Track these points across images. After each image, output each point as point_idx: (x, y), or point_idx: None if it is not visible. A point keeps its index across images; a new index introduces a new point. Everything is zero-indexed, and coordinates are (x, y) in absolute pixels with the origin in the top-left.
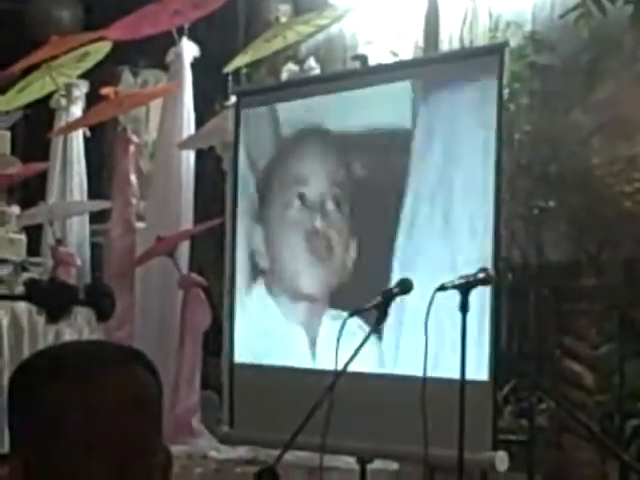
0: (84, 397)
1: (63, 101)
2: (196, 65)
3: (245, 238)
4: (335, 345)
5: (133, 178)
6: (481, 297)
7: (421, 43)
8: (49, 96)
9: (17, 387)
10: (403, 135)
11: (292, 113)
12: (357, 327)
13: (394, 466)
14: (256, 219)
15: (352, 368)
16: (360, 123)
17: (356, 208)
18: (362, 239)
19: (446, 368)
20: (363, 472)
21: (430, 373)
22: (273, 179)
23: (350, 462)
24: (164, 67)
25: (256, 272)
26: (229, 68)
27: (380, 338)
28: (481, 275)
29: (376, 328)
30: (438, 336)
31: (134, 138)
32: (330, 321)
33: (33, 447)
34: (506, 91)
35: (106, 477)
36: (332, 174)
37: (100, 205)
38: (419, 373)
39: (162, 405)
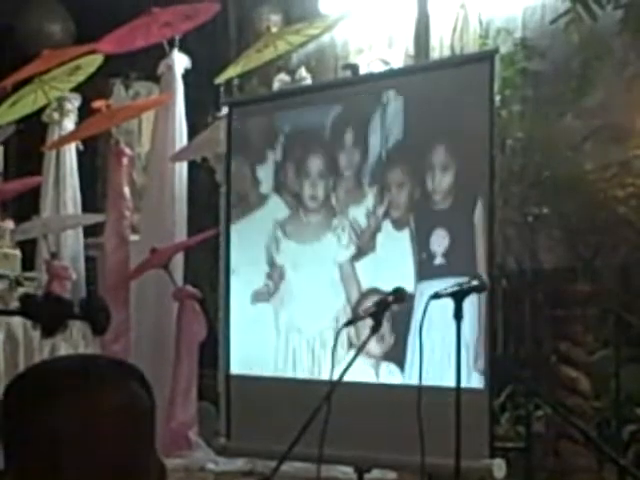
0: (78, 412)
1: (55, 115)
2: (187, 76)
3: None
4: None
5: (126, 191)
6: (477, 304)
7: (412, 51)
8: (41, 110)
9: (11, 402)
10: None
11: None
12: None
13: (392, 475)
14: None
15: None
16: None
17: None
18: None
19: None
20: None
21: (436, 382)
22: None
23: (348, 472)
24: (156, 79)
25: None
26: (221, 79)
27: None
28: (474, 282)
29: (371, 336)
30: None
31: (127, 151)
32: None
33: (28, 463)
34: (498, 98)
35: None
36: None
37: (94, 218)
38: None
39: (155, 419)
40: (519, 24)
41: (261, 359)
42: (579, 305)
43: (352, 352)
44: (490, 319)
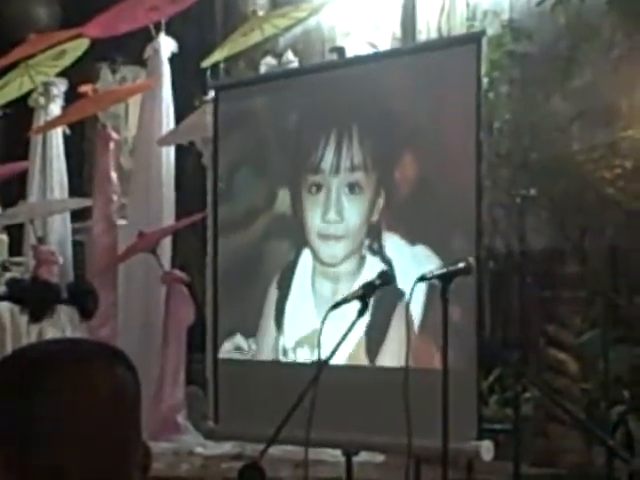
0: (63, 395)
1: (42, 99)
2: (174, 60)
3: None
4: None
5: (113, 175)
6: (464, 286)
7: (399, 34)
8: (28, 95)
9: None
10: None
11: None
12: None
13: (380, 458)
14: None
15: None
16: None
17: None
18: None
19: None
20: (349, 464)
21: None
22: None
23: (336, 455)
24: (142, 63)
25: None
26: (207, 63)
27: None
28: (461, 264)
29: (358, 320)
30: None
31: (114, 135)
32: None
33: (13, 444)
34: (485, 80)
35: (85, 474)
36: None
37: (81, 203)
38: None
39: (141, 403)
40: (506, 6)
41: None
42: (567, 287)
43: None
44: (477, 301)
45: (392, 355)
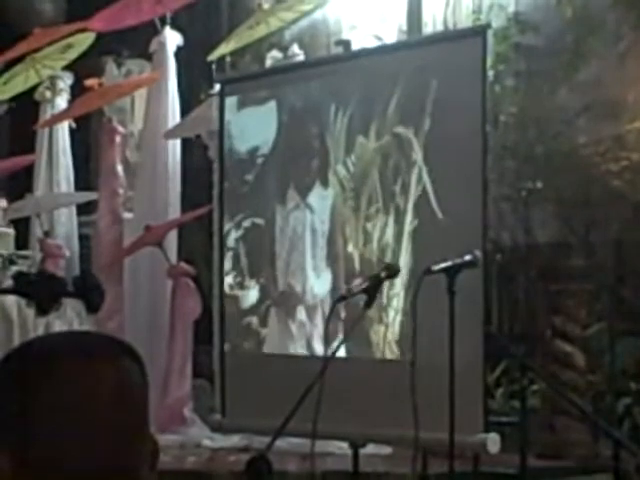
0: (71, 388)
1: (48, 93)
2: (180, 54)
3: None
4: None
5: (119, 169)
6: (471, 279)
7: (405, 27)
8: (34, 89)
9: (2, 379)
10: None
11: None
12: None
13: (387, 450)
14: None
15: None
16: None
17: None
18: None
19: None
20: (356, 457)
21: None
22: None
23: (343, 447)
24: (148, 57)
25: None
26: (213, 56)
27: None
28: (467, 258)
29: (364, 313)
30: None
31: (120, 128)
32: None
33: (20, 439)
34: (491, 73)
35: (93, 467)
36: None
37: (87, 196)
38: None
39: (148, 395)
40: None
41: None
42: (573, 280)
43: None
44: (484, 294)
45: None
